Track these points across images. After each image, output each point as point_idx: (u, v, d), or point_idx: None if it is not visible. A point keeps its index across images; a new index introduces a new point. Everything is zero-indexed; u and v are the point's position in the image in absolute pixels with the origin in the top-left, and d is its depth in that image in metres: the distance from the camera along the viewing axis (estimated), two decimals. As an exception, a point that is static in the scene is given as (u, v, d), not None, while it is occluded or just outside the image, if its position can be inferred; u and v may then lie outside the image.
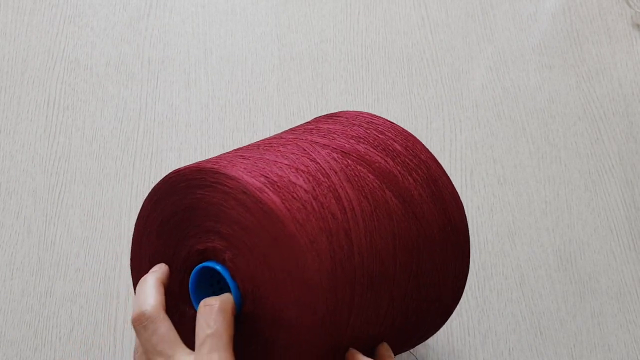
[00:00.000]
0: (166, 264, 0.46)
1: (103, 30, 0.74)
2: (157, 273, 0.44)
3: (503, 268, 0.62)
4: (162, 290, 0.43)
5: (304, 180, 0.43)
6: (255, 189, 0.41)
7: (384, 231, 0.44)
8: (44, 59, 0.72)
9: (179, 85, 0.71)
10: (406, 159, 0.48)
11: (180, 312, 0.46)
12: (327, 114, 0.54)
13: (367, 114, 0.52)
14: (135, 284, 0.49)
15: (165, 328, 0.41)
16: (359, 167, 0.46)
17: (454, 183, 0.66)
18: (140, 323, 0.41)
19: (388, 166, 0.47)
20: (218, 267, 0.43)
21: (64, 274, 0.62)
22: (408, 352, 0.59)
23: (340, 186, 0.44)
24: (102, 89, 0.71)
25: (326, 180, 0.43)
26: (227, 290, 0.47)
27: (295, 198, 0.41)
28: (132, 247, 0.49)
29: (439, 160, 0.67)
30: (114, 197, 0.65)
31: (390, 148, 0.48)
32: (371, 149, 0.48)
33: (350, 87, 0.71)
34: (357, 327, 0.43)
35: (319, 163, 0.45)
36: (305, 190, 0.42)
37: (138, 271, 0.48)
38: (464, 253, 0.48)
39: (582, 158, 0.67)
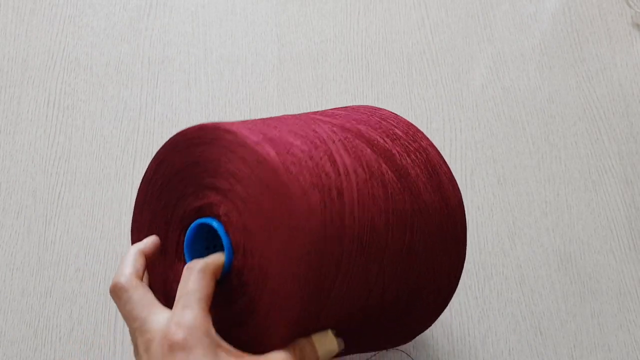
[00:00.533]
0: (164, 226, 0.48)
1: (103, 30, 0.74)
2: (140, 244, 0.46)
3: (503, 268, 0.62)
4: (141, 260, 0.45)
5: (301, 142, 0.44)
6: (252, 141, 0.42)
7: (378, 199, 0.44)
8: (44, 59, 0.72)
9: (179, 85, 0.71)
10: (406, 142, 0.49)
11: (175, 271, 0.47)
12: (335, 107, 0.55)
13: (374, 106, 0.53)
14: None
15: (138, 295, 0.42)
16: (357, 141, 0.47)
17: (454, 183, 0.66)
18: (115, 294, 0.43)
19: (387, 145, 0.48)
20: (212, 223, 0.44)
21: (64, 274, 0.62)
22: (407, 356, 0.59)
23: (337, 152, 0.45)
24: (102, 89, 0.71)
25: (323, 145, 0.44)
26: (222, 247, 0.48)
27: (290, 153, 0.42)
28: (133, 215, 0.50)
29: (439, 160, 0.67)
30: (114, 197, 0.65)
31: (391, 132, 0.49)
32: (371, 130, 0.49)
33: (350, 87, 0.71)
34: (343, 293, 0.43)
35: (318, 132, 0.46)
36: (301, 150, 0.43)
37: (137, 234, 0.49)
38: (459, 239, 0.49)
39: (582, 158, 0.67)
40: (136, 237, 0.49)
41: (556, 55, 0.72)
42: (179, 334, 0.39)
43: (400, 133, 0.49)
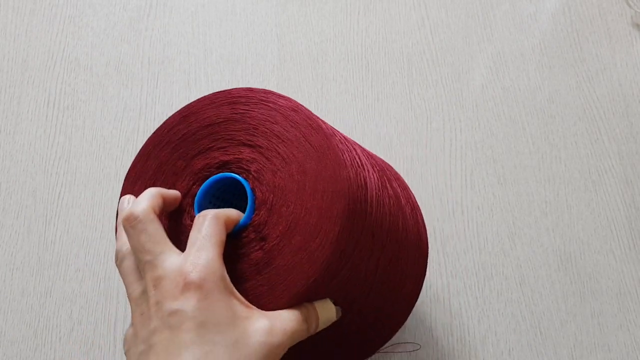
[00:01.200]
0: (171, 177, 0.48)
1: (103, 30, 0.74)
2: (162, 189, 0.45)
3: (503, 268, 0.62)
4: (159, 200, 0.44)
5: (339, 138, 0.48)
6: (307, 110, 0.47)
7: (385, 205, 0.49)
8: (44, 59, 0.72)
9: (179, 85, 0.71)
10: (390, 174, 0.55)
11: (179, 223, 0.47)
12: None
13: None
14: (123, 193, 0.49)
15: (154, 228, 0.41)
16: (368, 155, 0.52)
17: (454, 183, 0.66)
18: (129, 222, 0.42)
19: (382, 171, 0.53)
20: (239, 178, 0.46)
21: (64, 274, 0.62)
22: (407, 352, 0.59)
23: (359, 150, 0.50)
24: (102, 89, 0.71)
25: (354, 150, 0.49)
26: (233, 206, 0.49)
27: (336, 135, 0.47)
28: (134, 162, 0.50)
29: (439, 160, 0.67)
30: (114, 197, 0.65)
31: (379, 160, 0.56)
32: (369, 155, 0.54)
33: (350, 87, 0.71)
34: (345, 280, 0.45)
35: (351, 144, 0.51)
36: (339, 140, 0.47)
37: (133, 181, 0.49)
38: (423, 268, 0.54)
39: (582, 158, 0.67)
40: (131, 184, 0.49)
41: (556, 55, 0.72)
42: (194, 274, 0.39)
43: (383, 165, 0.55)
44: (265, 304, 0.43)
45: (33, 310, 0.61)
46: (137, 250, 0.41)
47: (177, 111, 0.50)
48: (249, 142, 0.47)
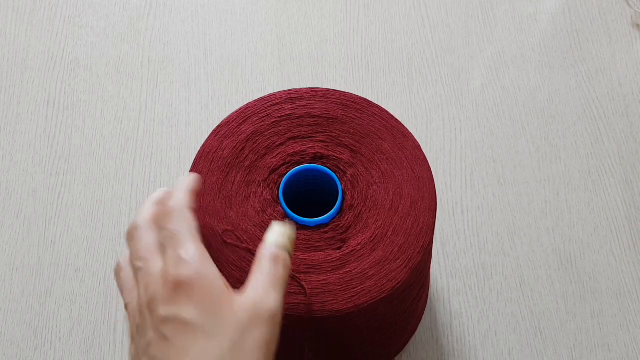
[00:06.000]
0: (264, 147, 0.49)
1: (103, 30, 0.74)
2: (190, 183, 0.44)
3: (503, 268, 0.62)
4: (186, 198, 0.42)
5: None
6: (415, 139, 0.50)
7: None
8: (44, 59, 0.72)
9: (179, 85, 0.71)
10: None
11: (253, 192, 0.48)
12: None
13: None
14: (209, 140, 0.50)
15: (150, 237, 0.40)
16: None
17: (454, 183, 0.66)
18: (129, 234, 0.41)
19: None
20: (334, 176, 0.48)
21: (64, 274, 0.62)
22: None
23: None
24: (102, 89, 0.71)
25: None
26: (313, 198, 0.51)
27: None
28: (230, 116, 0.51)
29: (439, 160, 0.67)
30: (114, 197, 0.65)
31: None
32: None
33: (350, 87, 0.71)
34: (404, 298, 0.49)
35: None
36: None
37: (222, 136, 0.50)
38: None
39: (582, 158, 0.67)
40: (219, 139, 0.50)
41: (556, 55, 0.72)
42: (184, 272, 0.37)
43: None
44: (329, 303, 0.44)
45: (33, 310, 0.61)
46: (132, 259, 0.40)
47: (282, 91, 0.51)
48: (352, 147, 0.49)
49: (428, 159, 0.67)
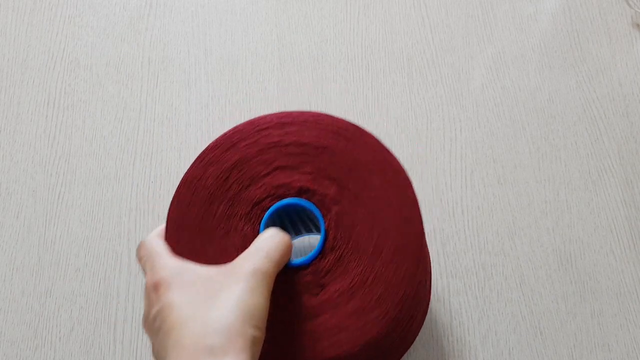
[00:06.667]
0: (249, 177, 0.47)
1: (103, 30, 0.74)
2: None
3: (503, 268, 0.62)
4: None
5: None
6: (411, 186, 0.47)
7: (424, 295, 0.51)
8: (44, 59, 0.72)
9: (179, 85, 0.71)
10: None
11: (238, 229, 0.47)
12: None
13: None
14: (197, 160, 0.48)
15: (165, 259, 0.43)
16: None
17: (454, 183, 0.66)
18: (138, 256, 0.44)
19: None
20: (319, 216, 0.46)
21: (64, 274, 0.62)
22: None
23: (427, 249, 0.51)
24: (102, 89, 0.71)
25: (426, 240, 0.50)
26: (298, 230, 0.50)
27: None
28: (214, 142, 0.49)
29: (439, 160, 0.67)
30: (114, 197, 0.65)
31: None
32: None
33: (350, 87, 0.71)
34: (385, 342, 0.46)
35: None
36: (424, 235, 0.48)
37: (206, 164, 0.48)
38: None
39: (582, 158, 0.67)
40: (204, 166, 0.48)
41: (556, 55, 0.72)
42: (158, 275, 0.41)
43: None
44: (307, 355, 0.42)
45: (33, 310, 0.61)
46: (147, 288, 0.42)
47: (275, 113, 0.48)
48: (340, 180, 0.46)
49: (428, 159, 0.67)
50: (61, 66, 0.72)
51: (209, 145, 0.48)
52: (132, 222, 0.64)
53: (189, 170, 0.48)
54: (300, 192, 0.46)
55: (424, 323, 0.60)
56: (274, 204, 0.46)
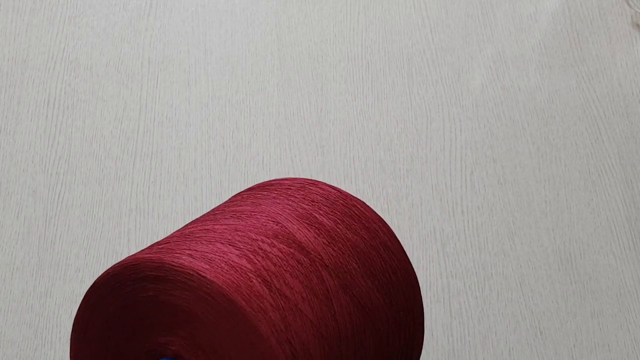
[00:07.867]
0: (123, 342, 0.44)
1: (103, 30, 0.74)
2: None
3: (503, 268, 0.62)
4: None
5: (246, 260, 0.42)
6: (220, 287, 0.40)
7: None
8: (44, 59, 0.72)
9: (179, 85, 0.71)
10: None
11: None
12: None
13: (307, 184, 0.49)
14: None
15: None
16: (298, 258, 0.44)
17: (454, 183, 0.66)
18: None
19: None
20: None
21: (64, 274, 0.62)
22: None
23: (285, 275, 0.42)
24: (102, 89, 0.71)
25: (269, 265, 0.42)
26: None
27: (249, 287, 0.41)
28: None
29: (439, 160, 0.67)
30: (114, 197, 0.65)
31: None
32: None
33: (350, 87, 0.71)
34: None
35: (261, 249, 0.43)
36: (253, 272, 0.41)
37: (83, 330, 0.45)
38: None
39: (582, 158, 0.67)
40: (82, 334, 0.45)
41: (556, 55, 0.72)
42: None
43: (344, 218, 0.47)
44: None
45: (33, 310, 0.61)
46: None
47: (104, 278, 0.43)
48: (175, 330, 0.42)
49: (428, 159, 0.67)
50: (61, 66, 0.72)
51: (96, 281, 0.44)
52: (132, 222, 0.64)
53: (77, 312, 0.45)
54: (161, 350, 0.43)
55: (424, 323, 0.60)
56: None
